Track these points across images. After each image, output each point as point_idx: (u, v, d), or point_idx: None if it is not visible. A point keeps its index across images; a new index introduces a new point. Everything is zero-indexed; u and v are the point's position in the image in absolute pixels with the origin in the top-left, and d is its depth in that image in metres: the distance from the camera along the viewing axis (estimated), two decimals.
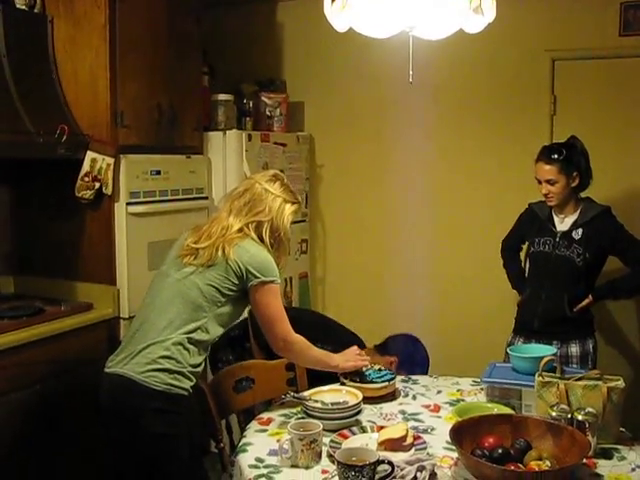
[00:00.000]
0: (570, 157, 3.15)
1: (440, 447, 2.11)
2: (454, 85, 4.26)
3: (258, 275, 2.33)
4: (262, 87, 4.40)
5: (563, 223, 3.24)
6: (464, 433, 2.00)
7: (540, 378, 2.23)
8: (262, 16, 4.71)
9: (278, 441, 2.14)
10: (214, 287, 2.33)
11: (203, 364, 2.38)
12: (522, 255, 3.54)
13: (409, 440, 2.08)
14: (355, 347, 2.63)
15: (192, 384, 2.31)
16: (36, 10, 3.31)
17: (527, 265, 3.43)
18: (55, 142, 3.12)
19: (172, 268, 2.40)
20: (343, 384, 2.55)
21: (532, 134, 4.07)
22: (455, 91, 4.27)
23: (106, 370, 2.33)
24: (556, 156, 3.14)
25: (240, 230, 2.39)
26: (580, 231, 3.17)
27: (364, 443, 2.09)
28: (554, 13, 4.03)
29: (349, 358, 2.57)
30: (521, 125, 4.14)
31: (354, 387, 2.47)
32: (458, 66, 4.16)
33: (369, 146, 4.52)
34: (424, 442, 2.12)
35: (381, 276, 4.59)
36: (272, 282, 2.36)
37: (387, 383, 2.54)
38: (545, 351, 2.54)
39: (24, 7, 3.24)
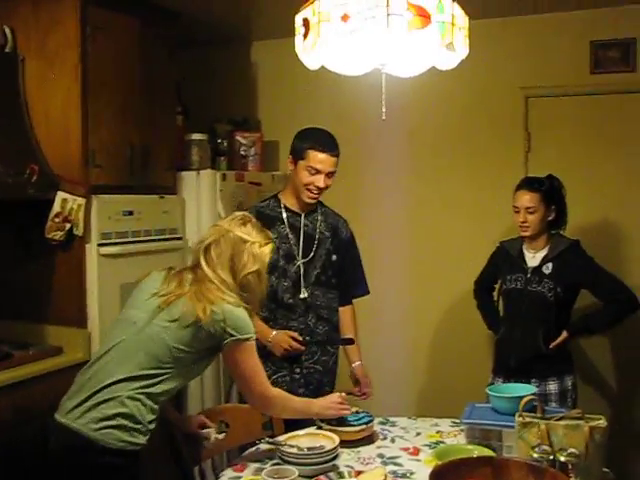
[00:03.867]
0: (551, 190, 3.20)
1: None
2: (428, 121, 4.29)
3: (234, 334, 2.21)
4: (236, 126, 4.40)
5: (534, 258, 3.23)
6: (444, 477, 1.94)
7: (520, 418, 2.18)
8: (236, 55, 4.74)
9: None
10: (184, 346, 2.20)
11: (157, 416, 2.25)
12: (495, 294, 3.53)
13: None
14: (337, 395, 2.53)
15: (147, 438, 2.19)
16: (7, 49, 3.28)
17: (500, 303, 3.41)
18: (25, 182, 3.07)
19: (140, 315, 2.25)
20: (320, 427, 2.49)
21: (507, 170, 4.09)
22: (430, 127, 4.30)
23: (58, 419, 2.18)
24: (538, 186, 3.18)
25: (222, 286, 2.26)
26: (550, 265, 3.17)
27: None
28: (527, 51, 4.10)
29: (330, 406, 2.49)
30: (496, 161, 4.18)
31: (331, 430, 2.42)
32: (432, 102, 4.19)
33: (345, 184, 4.45)
34: None
35: (359, 314, 4.53)
36: (248, 340, 2.25)
37: (365, 426, 2.49)
38: (525, 390, 2.50)
39: None
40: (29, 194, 3.12)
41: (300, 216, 3.11)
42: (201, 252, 2.33)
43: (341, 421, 2.49)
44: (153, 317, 2.22)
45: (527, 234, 3.20)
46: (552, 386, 3.14)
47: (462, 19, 1.99)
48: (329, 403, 2.49)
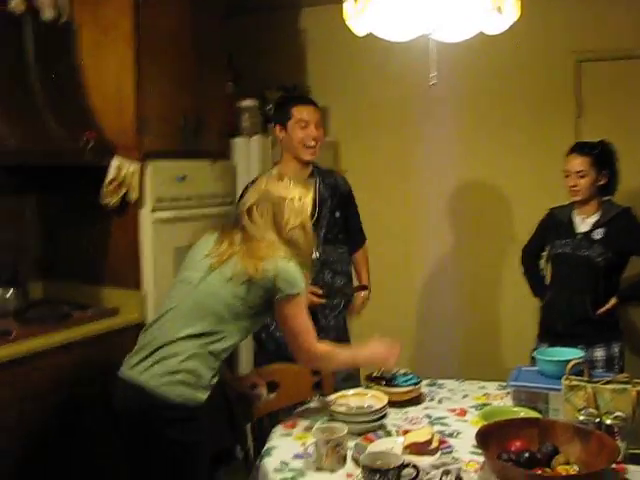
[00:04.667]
0: (603, 155, 3.16)
1: (466, 451, 2.09)
2: (477, 87, 4.25)
3: (284, 289, 2.25)
4: (287, 92, 4.41)
5: (584, 223, 3.21)
6: (490, 437, 1.97)
7: (567, 382, 2.20)
8: (285, 22, 4.74)
9: (303, 445, 2.14)
10: (240, 301, 2.26)
11: (219, 373, 2.32)
12: (542, 262, 3.51)
13: (434, 444, 2.06)
14: (378, 343, 2.51)
15: (207, 395, 2.26)
16: (62, 19, 3.35)
17: (548, 269, 3.39)
18: (81, 149, 3.15)
19: (195, 275, 2.33)
20: (368, 387, 2.54)
21: (558, 136, 4.05)
22: (478, 93, 4.26)
23: (122, 375, 2.28)
24: (589, 150, 3.15)
25: (272, 244, 2.31)
26: (601, 231, 3.15)
27: (389, 447, 2.07)
28: (579, 14, 4.02)
29: (375, 357, 2.51)
30: (547, 127, 4.12)
31: (379, 391, 2.46)
32: (482, 68, 4.15)
33: (394, 150, 4.52)
34: (450, 446, 2.10)
35: (409, 280, 4.57)
36: (298, 294, 2.29)
37: (412, 387, 2.53)
38: (572, 354, 2.51)
39: (51, 17, 3.28)
40: (86, 160, 3.20)
41: None
42: (244, 215, 2.38)
43: (390, 382, 2.54)
44: (207, 276, 2.29)
45: (577, 198, 3.18)
46: (599, 352, 3.14)
47: None
48: (373, 354, 2.50)
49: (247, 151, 3.95)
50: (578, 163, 3.14)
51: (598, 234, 3.15)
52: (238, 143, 3.97)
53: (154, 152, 3.42)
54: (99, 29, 3.36)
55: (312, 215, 3.03)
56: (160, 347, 2.24)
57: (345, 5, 2.05)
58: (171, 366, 2.20)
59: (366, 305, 3.49)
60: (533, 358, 3.16)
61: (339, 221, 3.27)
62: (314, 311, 3.08)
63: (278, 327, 2.84)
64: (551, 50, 4.09)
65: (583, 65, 4.06)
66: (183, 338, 2.23)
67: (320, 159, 3.97)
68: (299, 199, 2.38)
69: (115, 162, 3.30)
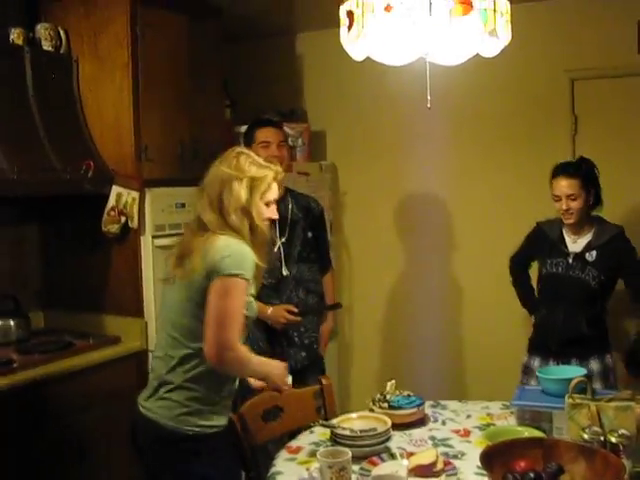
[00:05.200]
0: (588, 173, 3.15)
1: (471, 472, 2.09)
2: (473, 109, 4.27)
3: (226, 267, 2.08)
4: (284, 117, 4.44)
5: (576, 244, 3.21)
6: (495, 457, 1.97)
7: (570, 400, 2.20)
8: (282, 48, 4.78)
9: (307, 469, 2.14)
10: (198, 306, 2.12)
11: (232, 387, 2.25)
12: (532, 273, 3.51)
13: (439, 466, 2.06)
14: (282, 364, 2.36)
15: (226, 419, 2.24)
16: (62, 51, 3.40)
17: (538, 286, 3.40)
18: (81, 178, 3.18)
19: (163, 301, 2.34)
20: (372, 410, 2.54)
21: (554, 154, 4.04)
22: (474, 114, 4.28)
23: (139, 408, 2.24)
24: (574, 171, 3.13)
25: (215, 226, 2.17)
26: (594, 253, 3.15)
27: (394, 470, 2.07)
28: (572, 33, 4.04)
29: (277, 374, 2.30)
30: (543, 146, 4.13)
31: (383, 413, 2.46)
32: (477, 89, 4.17)
33: (392, 172, 4.54)
34: (454, 467, 2.10)
35: (408, 301, 4.57)
36: (241, 276, 2.09)
37: (416, 409, 2.53)
38: (575, 372, 2.51)
39: (50, 48, 3.33)
40: (86, 189, 3.24)
41: None
42: (199, 195, 2.28)
43: (393, 404, 2.54)
44: (169, 295, 2.28)
45: (571, 221, 3.15)
46: (594, 365, 3.14)
47: (504, 5, 2.01)
48: (271, 372, 2.29)
49: None
50: (567, 186, 3.11)
51: (591, 256, 3.14)
52: None
53: (153, 180, 3.44)
54: (97, 60, 3.41)
55: (284, 235, 3.30)
56: (161, 381, 2.21)
57: (341, 31, 2.08)
58: (174, 400, 2.17)
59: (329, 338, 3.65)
60: (524, 374, 3.19)
61: (311, 241, 3.42)
62: (287, 330, 3.31)
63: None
64: (545, 69, 4.11)
65: (577, 83, 4.09)
66: (172, 369, 2.19)
67: (319, 182, 4.02)
68: (250, 179, 2.21)
69: (115, 190, 3.33)
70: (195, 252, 2.14)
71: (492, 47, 2.05)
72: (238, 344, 2.11)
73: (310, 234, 3.41)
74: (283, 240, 3.32)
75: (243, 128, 4.09)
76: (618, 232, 3.18)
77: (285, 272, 3.31)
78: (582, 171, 3.14)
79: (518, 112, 4.20)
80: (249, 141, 3.37)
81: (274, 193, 2.30)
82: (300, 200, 3.45)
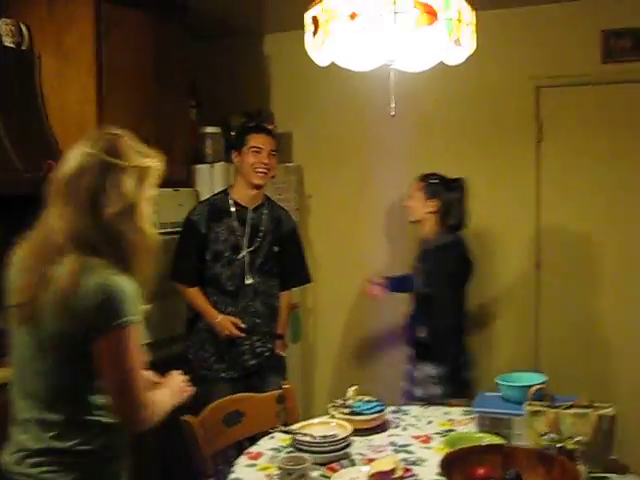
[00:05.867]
0: (436, 186, 3.36)
1: (430, 479, 2.10)
2: (438, 115, 4.30)
3: (115, 316, 1.68)
4: (250, 119, 4.43)
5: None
6: (454, 464, 1.98)
7: (530, 407, 2.22)
8: (248, 49, 4.77)
9: (267, 476, 2.13)
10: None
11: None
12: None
13: (399, 473, 2.06)
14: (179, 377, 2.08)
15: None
16: (24, 47, 3.34)
17: None
18: (42, 179, 3.10)
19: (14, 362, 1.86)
20: (333, 416, 2.53)
21: (520, 161, 4.12)
22: (440, 121, 4.31)
23: None
24: (422, 178, 3.41)
25: (76, 242, 1.70)
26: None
27: (354, 477, 2.08)
28: (537, 41, 4.09)
29: (178, 391, 2.01)
30: (509, 152, 4.19)
31: (344, 419, 2.46)
32: (443, 96, 4.20)
33: (357, 176, 4.54)
34: (414, 474, 2.11)
35: (372, 305, 4.57)
36: (135, 321, 1.72)
37: (377, 414, 2.53)
38: (534, 380, 2.53)
39: (12, 45, 3.27)
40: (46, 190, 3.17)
41: (247, 210, 3.36)
42: (55, 191, 1.77)
43: (354, 410, 2.53)
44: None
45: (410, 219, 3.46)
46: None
47: (468, 14, 2.03)
48: (173, 391, 1.99)
49: (210, 178, 3.95)
50: (412, 187, 3.42)
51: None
52: (201, 170, 3.97)
53: None
54: (61, 57, 3.36)
55: (252, 244, 3.31)
56: None
57: (306, 37, 2.07)
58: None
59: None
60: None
61: (276, 255, 3.41)
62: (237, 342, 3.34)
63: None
64: (510, 77, 4.16)
65: (542, 91, 4.13)
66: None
67: (285, 184, 4.00)
68: (140, 171, 1.79)
69: None
70: (52, 291, 1.69)
71: (456, 55, 2.06)
72: (145, 391, 1.78)
73: (276, 248, 3.41)
74: (251, 249, 3.32)
75: (209, 129, 4.09)
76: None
77: (248, 281, 3.32)
78: (428, 182, 3.40)
79: (484, 119, 4.23)
80: (239, 144, 3.38)
81: (156, 189, 1.90)
82: (275, 211, 3.46)
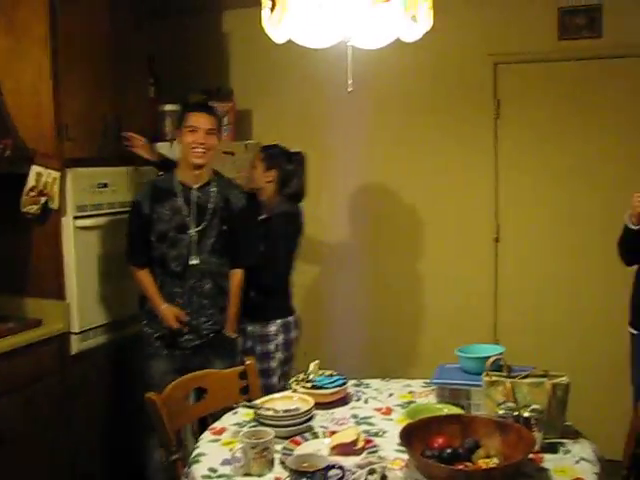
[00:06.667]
0: (276, 157, 3.57)
1: (391, 449, 2.14)
2: (396, 92, 4.32)
3: None
4: (209, 96, 4.39)
5: None
6: (414, 435, 2.02)
7: (487, 377, 2.27)
8: (208, 25, 4.71)
9: (231, 450, 2.15)
10: None
11: None
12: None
13: (360, 444, 2.10)
14: None
15: None
16: None
17: None
18: None
19: None
20: (295, 391, 2.56)
21: (477, 137, 4.16)
22: (398, 98, 4.34)
23: None
24: (263, 149, 3.66)
25: None
26: None
27: (316, 449, 2.11)
28: (495, 18, 4.12)
29: None
30: (467, 128, 4.22)
31: (306, 393, 2.49)
32: (400, 73, 4.21)
33: (317, 153, 4.54)
34: (375, 445, 2.14)
35: (332, 282, 4.62)
36: None
37: (338, 388, 2.56)
38: (492, 350, 2.59)
39: None
40: (3, 169, 3.14)
41: (192, 189, 3.28)
42: None
43: (316, 385, 2.57)
44: None
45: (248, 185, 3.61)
46: None
47: None
48: None
49: (170, 156, 3.90)
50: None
51: None
52: (160, 148, 3.93)
53: (75, 159, 3.37)
54: (13, 33, 3.29)
55: (200, 224, 3.23)
56: None
57: (262, 14, 2.07)
58: None
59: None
60: None
61: (225, 234, 3.31)
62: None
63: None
64: (469, 53, 4.18)
65: (499, 67, 4.17)
66: None
67: (244, 161, 3.99)
68: None
69: (34, 170, 3.24)
70: None
71: (413, 32, 2.08)
72: None
73: (225, 227, 3.30)
74: (199, 228, 3.24)
75: (167, 107, 4.06)
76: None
77: (192, 261, 3.23)
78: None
79: (442, 95, 4.26)
80: (179, 124, 3.31)
81: None
82: (224, 189, 3.35)
